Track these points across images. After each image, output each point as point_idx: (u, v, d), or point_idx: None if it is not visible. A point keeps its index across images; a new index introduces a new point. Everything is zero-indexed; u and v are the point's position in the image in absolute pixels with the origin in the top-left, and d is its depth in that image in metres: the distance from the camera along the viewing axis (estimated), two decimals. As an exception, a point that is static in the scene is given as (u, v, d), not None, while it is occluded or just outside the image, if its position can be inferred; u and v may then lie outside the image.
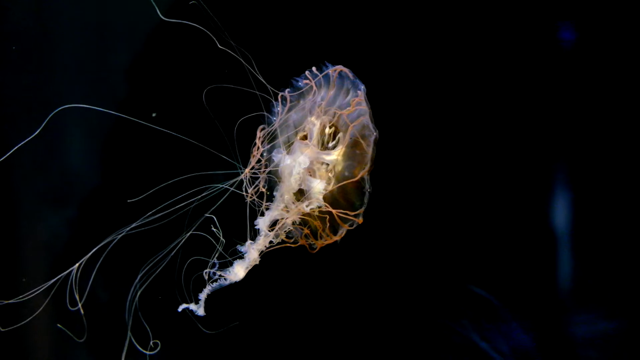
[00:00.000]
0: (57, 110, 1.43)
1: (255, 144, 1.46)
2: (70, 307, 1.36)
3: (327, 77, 1.50)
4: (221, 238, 1.43)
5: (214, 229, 1.43)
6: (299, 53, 1.53)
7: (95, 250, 1.39)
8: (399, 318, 1.66)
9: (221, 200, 1.44)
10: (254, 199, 1.43)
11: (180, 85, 1.53)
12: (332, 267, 1.58)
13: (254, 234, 1.42)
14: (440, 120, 1.61)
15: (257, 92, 1.46)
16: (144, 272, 1.42)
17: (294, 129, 1.51)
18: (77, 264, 1.34)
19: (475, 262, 1.65)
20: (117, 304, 1.47)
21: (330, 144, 1.51)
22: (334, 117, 1.51)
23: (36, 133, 1.42)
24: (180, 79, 1.53)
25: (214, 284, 1.40)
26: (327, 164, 1.49)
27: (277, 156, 1.46)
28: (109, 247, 1.39)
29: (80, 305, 1.36)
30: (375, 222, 1.49)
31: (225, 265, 1.42)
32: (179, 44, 1.49)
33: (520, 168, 1.63)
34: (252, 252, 1.41)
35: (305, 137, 1.51)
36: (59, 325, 1.43)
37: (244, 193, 1.44)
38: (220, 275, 1.40)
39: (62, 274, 1.33)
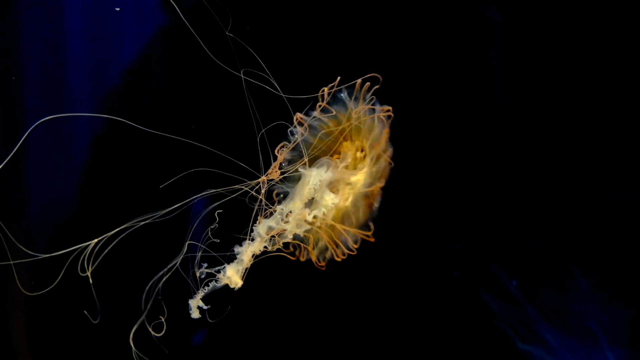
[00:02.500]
0: (37, 123, 1.45)
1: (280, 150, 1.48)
2: (80, 273, 1.40)
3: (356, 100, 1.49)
4: (210, 236, 1.44)
5: (210, 228, 1.45)
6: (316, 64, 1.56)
7: (107, 238, 1.41)
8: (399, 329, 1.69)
9: (231, 197, 1.45)
10: (261, 202, 1.44)
11: (199, 93, 1.56)
12: (338, 275, 1.60)
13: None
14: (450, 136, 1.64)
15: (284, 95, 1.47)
16: (169, 265, 1.43)
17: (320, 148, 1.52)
18: (96, 240, 1.38)
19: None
20: (122, 291, 1.52)
21: (360, 165, 1.52)
22: (362, 142, 1.51)
23: (18, 144, 1.43)
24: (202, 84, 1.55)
25: (206, 288, 1.40)
26: (350, 184, 1.49)
27: (302, 170, 1.46)
28: (122, 235, 1.42)
29: (89, 272, 1.40)
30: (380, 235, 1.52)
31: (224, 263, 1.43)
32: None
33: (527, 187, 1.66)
34: (246, 253, 1.41)
35: (336, 156, 1.52)
36: (84, 312, 1.46)
37: (252, 190, 1.45)
38: (208, 273, 1.40)
39: (81, 245, 1.37)
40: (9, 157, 1.42)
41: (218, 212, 1.46)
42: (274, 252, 1.46)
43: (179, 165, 1.49)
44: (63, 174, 1.54)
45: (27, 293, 1.45)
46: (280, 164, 1.48)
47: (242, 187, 1.45)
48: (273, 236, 1.44)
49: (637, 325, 1.62)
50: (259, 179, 1.46)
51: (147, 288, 1.42)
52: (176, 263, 1.43)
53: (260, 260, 1.45)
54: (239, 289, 1.43)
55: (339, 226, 1.47)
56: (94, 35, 1.52)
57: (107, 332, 1.53)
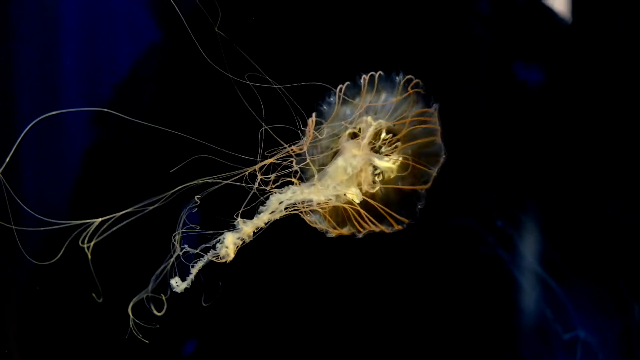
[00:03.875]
0: (37, 119, 1.48)
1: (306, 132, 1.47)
2: (80, 244, 1.41)
3: (392, 84, 1.48)
4: (187, 221, 1.45)
5: (190, 209, 1.45)
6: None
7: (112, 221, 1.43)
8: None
9: (224, 182, 1.45)
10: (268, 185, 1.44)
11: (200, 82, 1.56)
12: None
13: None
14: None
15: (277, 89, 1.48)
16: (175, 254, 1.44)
17: (346, 124, 1.49)
18: (100, 219, 1.40)
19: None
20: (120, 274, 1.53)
21: (385, 149, 1.48)
22: (394, 125, 1.47)
23: (18, 142, 1.47)
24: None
25: (196, 265, 1.39)
26: (377, 168, 1.46)
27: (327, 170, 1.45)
28: (128, 220, 1.43)
29: (87, 247, 1.42)
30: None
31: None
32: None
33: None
34: (246, 227, 1.40)
35: (354, 135, 1.48)
36: (93, 294, 1.48)
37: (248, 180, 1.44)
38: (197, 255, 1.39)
39: (87, 221, 1.39)
40: (8, 158, 1.47)
41: (197, 197, 1.47)
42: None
43: (176, 162, 1.51)
44: (57, 177, 1.58)
45: (35, 262, 1.49)
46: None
47: (227, 180, 1.46)
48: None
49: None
50: (254, 167, 1.47)
51: (156, 273, 1.45)
52: (174, 254, 1.45)
53: (259, 253, 1.47)
54: (240, 281, 1.46)
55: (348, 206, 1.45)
56: (88, 40, 1.56)
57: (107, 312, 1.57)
